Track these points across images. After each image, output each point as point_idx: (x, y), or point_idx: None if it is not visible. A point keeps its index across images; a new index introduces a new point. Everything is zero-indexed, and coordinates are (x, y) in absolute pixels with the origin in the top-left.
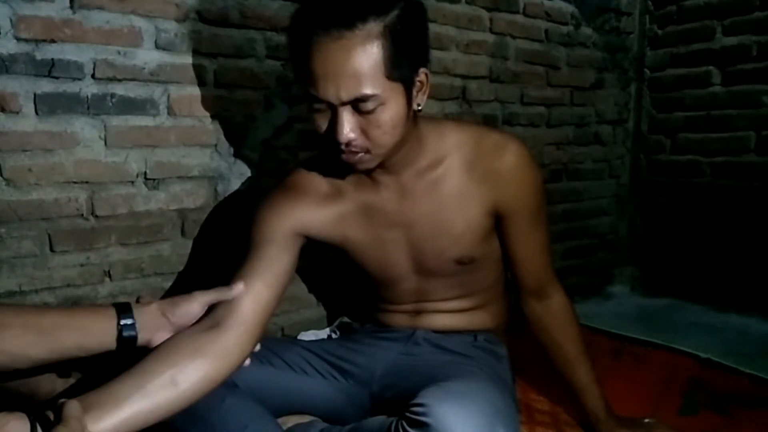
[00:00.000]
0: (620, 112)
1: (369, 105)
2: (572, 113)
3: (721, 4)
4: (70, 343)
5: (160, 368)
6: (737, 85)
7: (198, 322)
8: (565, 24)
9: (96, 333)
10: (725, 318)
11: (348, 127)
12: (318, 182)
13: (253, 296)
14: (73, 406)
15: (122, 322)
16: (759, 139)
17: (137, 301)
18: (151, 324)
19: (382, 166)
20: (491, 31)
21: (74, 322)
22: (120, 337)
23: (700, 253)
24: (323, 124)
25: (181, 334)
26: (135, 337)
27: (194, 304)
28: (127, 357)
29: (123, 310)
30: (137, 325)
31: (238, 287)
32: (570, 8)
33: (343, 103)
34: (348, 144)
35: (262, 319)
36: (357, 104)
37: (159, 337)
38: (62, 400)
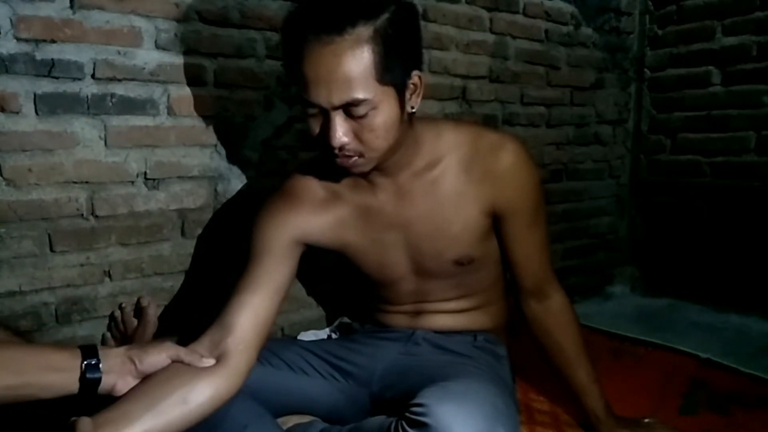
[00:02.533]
0: (620, 112)
1: (361, 109)
2: (572, 113)
3: (721, 4)
4: (32, 379)
5: (171, 388)
6: (737, 85)
7: (200, 341)
8: (565, 24)
9: (59, 370)
10: (725, 318)
11: (341, 132)
12: (315, 187)
13: (250, 312)
14: (85, 423)
15: (86, 361)
16: (759, 139)
17: (138, 304)
18: (117, 368)
19: (379, 168)
20: (491, 31)
21: (39, 358)
22: (83, 378)
23: (700, 253)
24: (317, 128)
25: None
26: (99, 380)
27: (163, 355)
28: (89, 405)
29: (89, 351)
30: (102, 367)
31: (208, 362)
32: (570, 8)
33: (335, 108)
34: (341, 148)
35: (263, 331)
36: (349, 109)
37: (123, 382)
38: (74, 418)
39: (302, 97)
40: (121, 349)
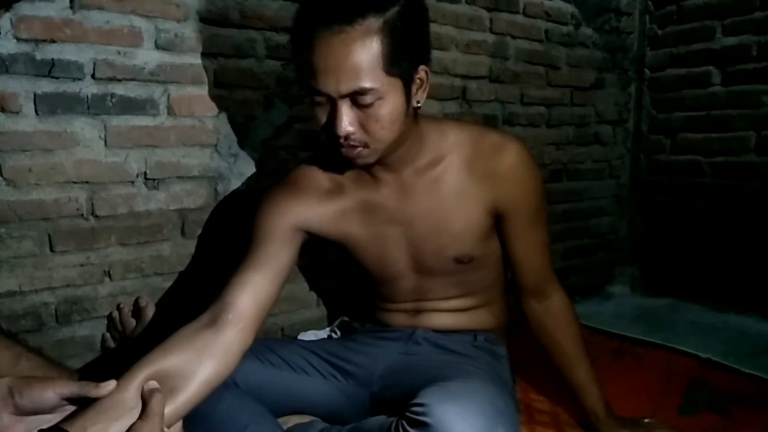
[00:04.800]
0: (620, 112)
1: (367, 99)
2: (572, 113)
3: (721, 4)
4: None
5: (165, 377)
6: (737, 85)
7: (199, 318)
8: (565, 24)
9: None
10: (725, 318)
11: (346, 121)
12: (319, 178)
13: (251, 291)
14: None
15: None
16: (759, 139)
17: (136, 304)
18: None
19: (383, 162)
20: (491, 31)
21: None
22: None
23: (700, 253)
24: (323, 118)
25: (178, 333)
26: None
27: (50, 392)
28: None
29: None
30: None
31: (108, 386)
32: (570, 8)
33: (342, 96)
34: (347, 138)
35: (260, 313)
36: (356, 98)
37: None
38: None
39: (310, 86)
40: (4, 381)
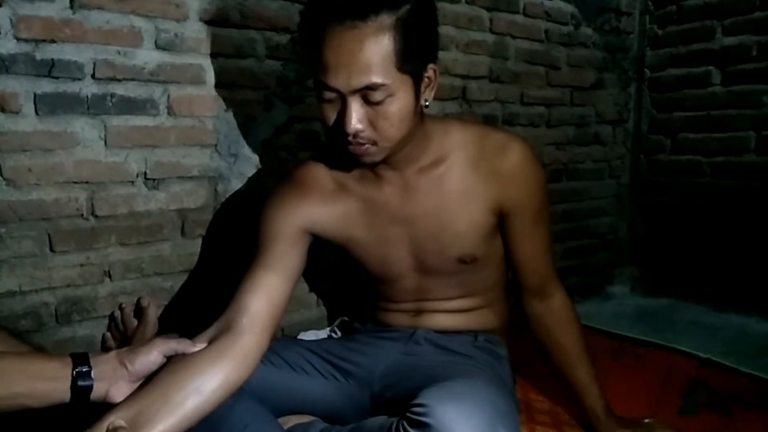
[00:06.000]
0: (620, 112)
1: (378, 95)
2: (572, 113)
3: (721, 4)
4: (22, 389)
5: (184, 378)
6: (737, 85)
7: (214, 324)
8: (565, 24)
9: (49, 379)
10: (725, 318)
11: (356, 117)
12: (323, 177)
13: (264, 293)
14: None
15: (78, 368)
16: (759, 139)
17: (138, 304)
18: (109, 373)
19: (387, 161)
20: (491, 31)
21: (28, 368)
22: (75, 386)
23: (700, 253)
24: (332, 115)
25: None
26: (90, 387)
27: (154, 353)
28: (82, 414)
29: (80, 358)
30: (93, 374)
31: (201, 342)
32: (570, 8)
33: (353, 92)
34: (355, 135)
35: (275, 315)
36: (366, 94)
37: (116, 388)
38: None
39: (320, 81)
40: (112, 354)
